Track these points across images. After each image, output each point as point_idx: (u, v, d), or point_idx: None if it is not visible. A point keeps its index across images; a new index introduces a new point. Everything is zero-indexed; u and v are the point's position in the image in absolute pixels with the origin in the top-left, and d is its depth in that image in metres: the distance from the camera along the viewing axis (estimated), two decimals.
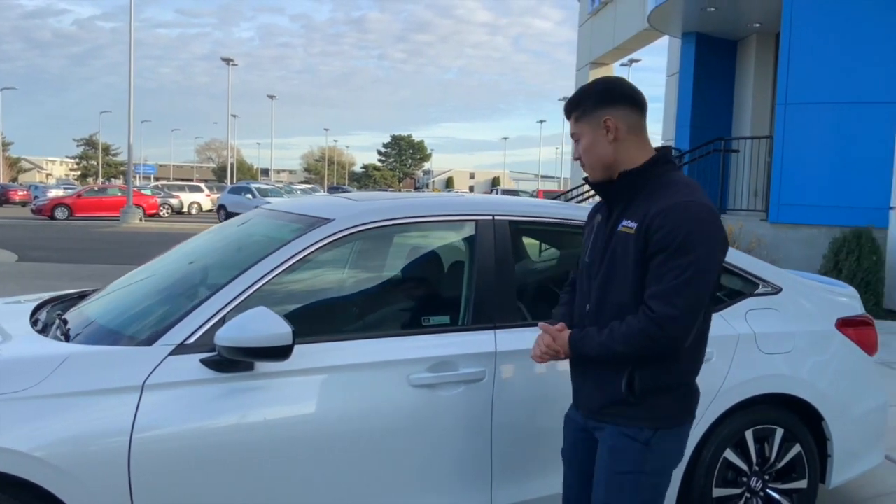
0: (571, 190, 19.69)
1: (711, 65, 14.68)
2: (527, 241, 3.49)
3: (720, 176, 12.38)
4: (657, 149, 2.29)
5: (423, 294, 3.26)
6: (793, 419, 3.39)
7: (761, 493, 3.34)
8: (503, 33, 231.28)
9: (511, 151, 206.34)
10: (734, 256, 3.55)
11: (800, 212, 10.48)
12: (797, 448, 3.39)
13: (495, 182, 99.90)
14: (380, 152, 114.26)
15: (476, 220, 3.08)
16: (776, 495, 3.36)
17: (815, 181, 10.50)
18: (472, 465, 2.86)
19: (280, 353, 2.48)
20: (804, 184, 10.54)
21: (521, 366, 2.93)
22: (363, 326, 3.01)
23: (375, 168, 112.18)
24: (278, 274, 2.74)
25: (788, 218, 10.56)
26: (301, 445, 2.60)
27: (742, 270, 3.51)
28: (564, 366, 3.01)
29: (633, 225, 2.18)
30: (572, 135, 2.33)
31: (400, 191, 67.81)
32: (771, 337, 3.37)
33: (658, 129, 20.81)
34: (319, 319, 2.98)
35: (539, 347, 2.33)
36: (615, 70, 24.66)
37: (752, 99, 14.33)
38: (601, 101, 2.25)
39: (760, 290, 3.49)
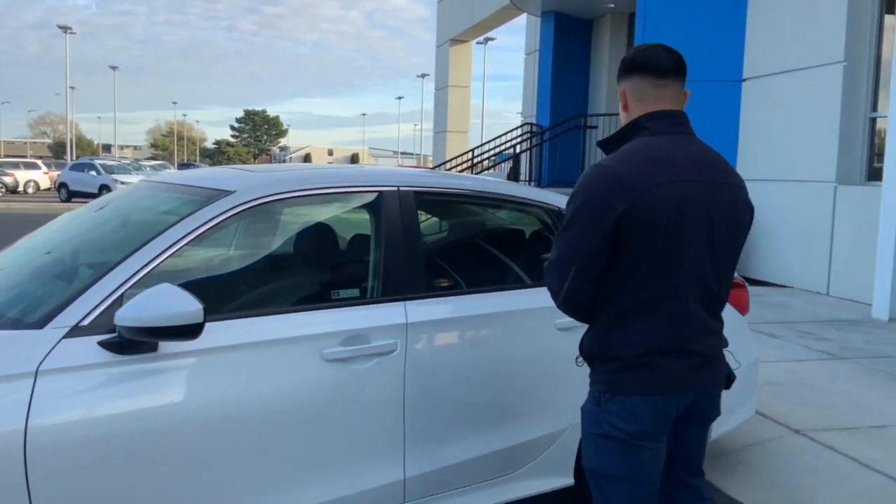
0: (438, 166, 19.86)
1: (569, 43, 15.18)
2: (432, 211, 3.49)
3: (580, 151, 12.89)
4: (644, 115, 2.19)
5: (331, 267, 3.19)
6: None
7: None
8: (357, 7, 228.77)
9: (370, 128, 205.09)
10: None
11: None
12: None
13: (354, 159, 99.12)
14: (233, 128, 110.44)
15: (381, 192, 3.05)
16: None
17: None
18: (385, 439, 2.84)
19: (189, 331, 2.35)
20: None
21: (431, 336, 2.94)
22: (271, 301, 2.90)
23: (229, 144, 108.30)
24: (178, 249, 2.59)
25: None
26: (212, 429, 2.48)
27: None
28: (474, 336, 3.07)
29: None
30: None
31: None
32: None
33: (518, 106, 21.31)
34: (225, 296, 2.85)
35: None
36: (473, 48, 24.99)
37: (608, 76, 14.96)
38: (619, 74, 2.27)
39: None
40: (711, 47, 10.83)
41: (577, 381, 3.26)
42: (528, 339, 3.17)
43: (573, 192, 2.12)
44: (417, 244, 3.03)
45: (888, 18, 9.01)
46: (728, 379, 2.30)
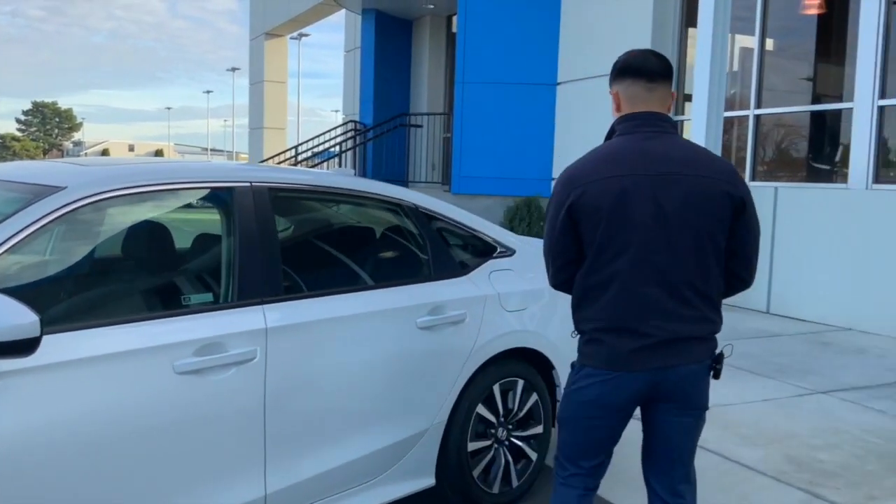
0: (262, 162, 19.21)
1: (391, 42, 15.21)
2: (288, 209, 3.30)
3: (405, 149, 12.95)
4: (617, 119, 2.39)
5: (182, 271, 2.93)
6: (531, 370, 3.66)
7: (506, 442, 3.57)
8: None
9: (175, 123, 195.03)
10: (476, 221, 3.72)
11: (478, 183, 11.36)
12: (535, 397, 3.67)
13: (158, 154, 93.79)
14: (19, 121, 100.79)
15: (232, 188, 2.84)
16: (519, 442, 3.61)
17: (491, 155, 11.43)
18: (245, 454, 2.65)
19: (24, 347, 2.06)
20: (482, 158, 11.42)
21: (293, 342, 2.78)
22: (116, 310, 2.61)
23: (14, 138, 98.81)
24: (2, 253, 2.27)
25: (468, 189, 11.38)
26: (56, 454, 2.19)
27: (483, 234, 3.69)
28: (338, 339, 2.94)
29: None
30: None
31: None
32: (511, 296, 3.59)
33: (333, 104, 21.07)
34: (62, 305, 2.53)
35: None
36: (288, 43, 24.44)
37: (428, 77, 15.16)
38: (611, 77, 2.42)
39: (499, 252, 3.71)
40: (528, 52, 11.26)
41: (439, 381, 3.26)
42: (392, 339, 3.09)
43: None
44: (274, 244, 2.86)
45: (690, 31, 9.79)
46: (714, 369, 2.39)
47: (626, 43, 9.84)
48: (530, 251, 3.86)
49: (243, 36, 24.46)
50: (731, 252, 2.36)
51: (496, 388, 3.51)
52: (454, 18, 14.80)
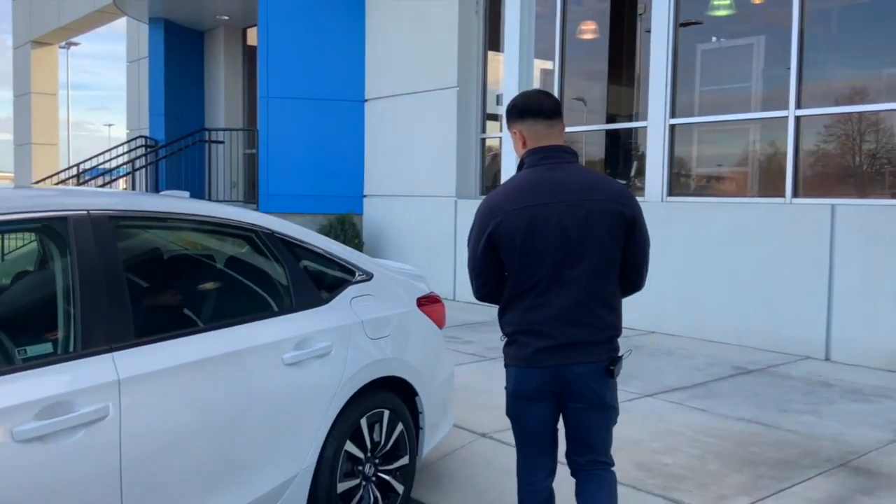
0: (37, 183, 17.31)
1: (182, 54, 14.37)
2: (133, 239, 2.88)
3: (205, 167, 12.23)
4: (525, 153, 2.69)
5: (10, 318, 2.45)
6: (395, 400, 3.50)
7: (374, 478, 3.38)
8: None
9: None
10: (332, 246, 3.51)
11: (288, 201, 10.97)
12: (400, 427, 3.51)
13: None
14: None
15: (66, 217, 2.43)
16: (386, 476, 3.43)
17: (301, 173, 11.10)
18: None
19: None
20: (290, 175, 11.06)
21: (149, 392, 2.42)
22: None
23: None
24: None
25: (278, 207, 10.95)
26: None
27: (340, 259, 3.48)
28: (198, 385, 2.60)
29: None
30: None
31: None
32: (374, 322, 3.41)
33: (104, 117, 19.55)
34: None
35: None
36: (58, 52, 22.39)
37: (225, 90, 14.48)
38: (511, 117, 2.71)
39: (357, 277, 3.51)
40: (335, 68, 11.09)
41: (308, 420, 3.01)
42: (258, 380, 2.81)
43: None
44: (120, 281, 2.48)
45: (491, 54, 10.11)
46: (608, 370, 2.64)
47: (435, 63, 10.02)
48: (385, 274, 3.71)
49: (10, 43, 22.07)
50: (626, 262, 2.68)
51: (363, 422, 3.31)
52: (250, 31, 14.29)
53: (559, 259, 2.53)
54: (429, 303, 3.86)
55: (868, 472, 4.03)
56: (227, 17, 14.09)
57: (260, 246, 3.13)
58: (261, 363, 2.84)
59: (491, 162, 10.32)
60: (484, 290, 2.70)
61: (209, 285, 3.06)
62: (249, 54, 14.20)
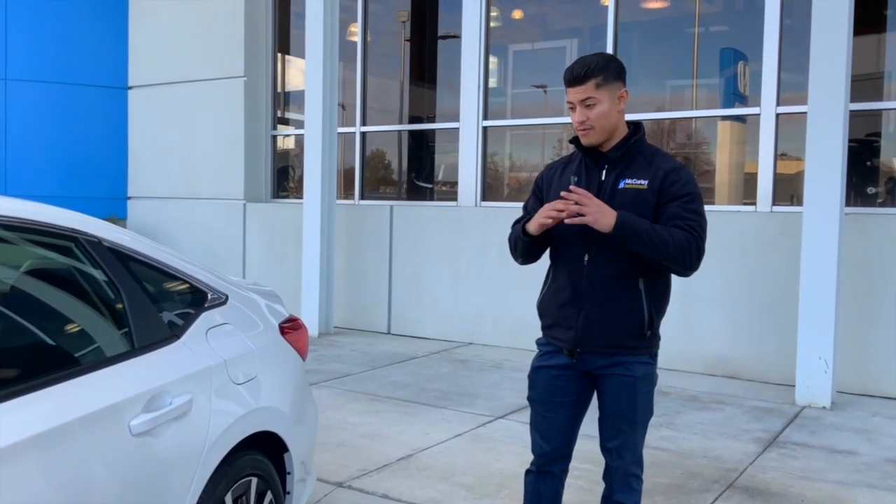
0: None
1: None
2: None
3: None
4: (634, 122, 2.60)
5: None
6: (264, 462, 2.65)
7: None
8: None
9: None
10: (174, 258, 2.58)
11: None
12: (269, 497, 2.67)
13: None
14: None
15: None
16: None
17: (48, 170, 9.38)
18: None
19: None
20: (35, 173, 9.29)
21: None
22: None
23: None
24: None
25: None
26: None
27: (188, 276, 2.57)
28: (17, 484, 1.62)
29: (644, 182, 2.50)
30: (585, 100, 2.47)
31: None
32: (238, 362, 2.54)
33: None
34: None
35: (590, 203, 2.39)
36: None
37: None
38: (619, 75, 2.51)
39: (210, 300, 2.61)
40: (91, 50, 9.51)
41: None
42: (91, 467, 1.85)
43: (692, 183, 2.52)
44: None
45: (283, 43, 9.19)
46: None
47: (215, 49, 8.87)
48: (240, 295, 2.83)
49: None
50: None
51: (228, 499, 2.42)
52: None
53: None
54: (291, 329, 3.03)
55: (759, 491, 3.82)
56: None
57: (85, 261, 2.13)
58: (100, 438, 1.89)
59: (282, 161, 9.39)
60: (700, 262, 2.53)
61: (13, 323, 2.00)
62: None
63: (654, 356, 2.60)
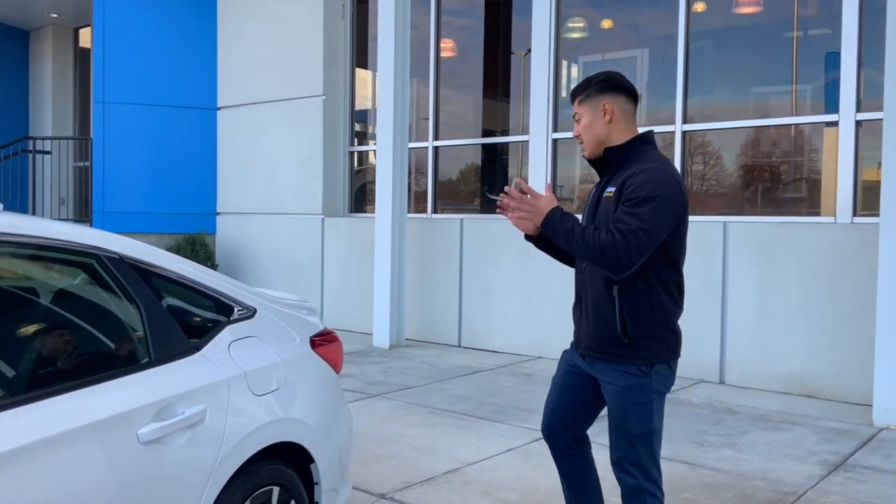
0: None
1: (3, 55, 12.67)
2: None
3: (28, 182, 10.67)
4: (641, 132, 2.68)
5: None
6: (287, 472, 2.71)
7: None
8: None
9: None
10: (202, 274, 2.68)
11: (127, 220, 9.72)
12: None
13: None
14: None
15: None
16: None
17: (143, 187, 9.91)
18: None
19: None
20: (130, 190, 9.84)
21: None
22: None
23: None
24: None
25: (116, 227, 9.63)
26: None
27: (213, 291, 2.66)
28: (23, 484, 1.73)
29: (613, 189, 2.58)
30: (574, 115, 2.72)
31: None
32: (260, 373, 2.62)
33: None
34: None
35: (519, 204, 2.58)
36: None
37: (52, 95, 12.85)
38: (603, 90, 2.65)
39: (236, 314, 2.70)
40: (182, 73, 10.02)
41: None
42: (99, 471, 1.95)
43: (655, 188, 2.47)
44: None
45: (360, 63, 9.41)
46: None
47: (297, 70, 9.17)
48: (272, 308, 2.92)
49: None
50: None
51: None
52: (83, 32, 12.83)
53: None
54: (324, 342, 3.09)
55: None
56: (56, 16, 12.56)
57: (104, 276, 2.26)
58: (107, 444, 1.99)
59: (360, 176, 9.59)
60: (633, 266, 2.45)
61: (27, 332, 2.16)
62: (82, 57, 12.72)
63: (646, 367, 2.55)
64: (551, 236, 2.54)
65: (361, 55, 9.43)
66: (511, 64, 8.88)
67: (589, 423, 2.85)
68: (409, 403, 5.60)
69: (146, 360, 2.26)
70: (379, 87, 8.01)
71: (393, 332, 7.78)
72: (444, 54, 8.73)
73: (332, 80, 9.15)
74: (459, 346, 7.93)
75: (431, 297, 8.13)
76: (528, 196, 2.55)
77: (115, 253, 2.28)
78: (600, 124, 2.64)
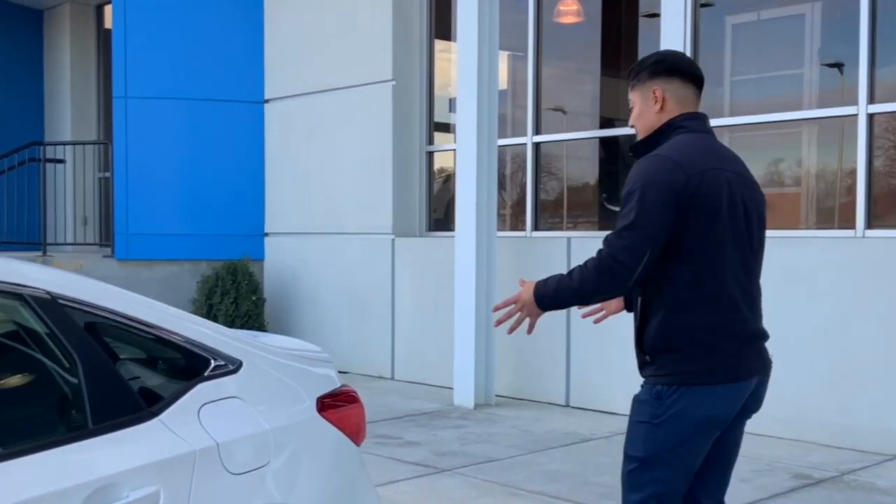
0: None
1: (13, 40, 13.53)
2: None
3: (40, 197, 11.28)
4: (678, 115, 2.95)
5: None
6: None
7: None
8: None
9: None
10: (168, 316, 2.75)
11: (155, 243, 10.18)
12: None
13: None
14: None
15: None
16: None
17: (174, 203, 10.38)
18: None
19: None
20: (159, 207, 10.31)
21: None
22: None
23: None
24: None
25: (142, 253, 10.15)
26: None
27: (183, 338, 2.71)
28: None
29: None
30: (629, 104, 3.09)
31: None
32: (240, 445, 2.65)
33: None
34: None
35: (510, 311, 3.04)
36: None
37: (71, 89, 13.62)
38: (654, 74, 2.97)
39: (214, 367, 2.74)
40: (222, 59, 10.43)
41: None
42: None
43: (640, 177, 2.81)
44: None
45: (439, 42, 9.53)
46: None
47: (360, 51, 9.36)
48: (264, 359, 2.95)
49: None
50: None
51: None
52: (107, 9, 13.52)
53: (742, 240, 2.86)
54: (338, 404, 3.10)
55: None
56: None
57: (29, 321, 2.34)
58: None
59: (442, 186, 9.67)
60: (641, 274, 2.76)
61: None
62: (105, 40, 13.40)
63: (656, 385, 2.85)
64: (556, 305, 2.94)
65: (443, 29, 9.53)
66: (639, 31, 8.79)
67: (712, 481, 3.04)
68: (486, 481, 5.57)
69: (81, 428, 2.32)
70: (458, 69, 8.06)
71: (479, 387, 7.77)
72: (548, 20, 8.72)
73: (405, 60, 9.29)
74: (567, 405, 7.84)
75: (531, 342, 7.99)
76: (510, 299, 3.04)
77: (43, 291, 2.35)
78: (651, 113, 2.98)
